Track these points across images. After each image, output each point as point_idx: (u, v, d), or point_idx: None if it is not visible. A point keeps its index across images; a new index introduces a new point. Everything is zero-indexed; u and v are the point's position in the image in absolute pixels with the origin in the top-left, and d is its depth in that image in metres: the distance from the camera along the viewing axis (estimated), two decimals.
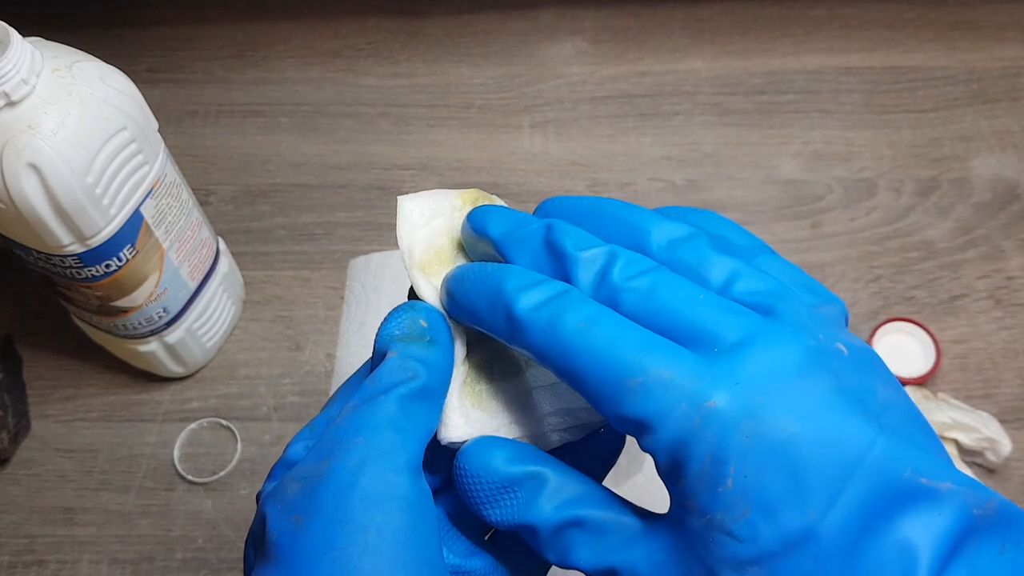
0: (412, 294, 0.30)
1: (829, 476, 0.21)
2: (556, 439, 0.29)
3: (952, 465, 0.23)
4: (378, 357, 0.28)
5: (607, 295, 0.25)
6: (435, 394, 0.27)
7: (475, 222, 0.28)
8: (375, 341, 0.29)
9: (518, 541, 0.29)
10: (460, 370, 0.28)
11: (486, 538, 0.30)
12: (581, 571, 0.25)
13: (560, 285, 0.25)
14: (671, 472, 0.23)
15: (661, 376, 0.22)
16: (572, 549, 0.25)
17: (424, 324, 0.28)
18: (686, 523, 0.23)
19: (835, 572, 0.21)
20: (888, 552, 0.20)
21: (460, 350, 0.29)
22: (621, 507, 0.26)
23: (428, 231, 0.30)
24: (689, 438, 0.22)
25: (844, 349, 0.23)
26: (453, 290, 0.28)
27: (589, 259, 0.25)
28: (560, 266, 0.26)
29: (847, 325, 0.26)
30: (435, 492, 0.30)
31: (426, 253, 0.29)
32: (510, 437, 0.28)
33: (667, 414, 0.22)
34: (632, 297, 0.24)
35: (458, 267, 0.28)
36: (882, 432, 0.22)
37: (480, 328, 0.27)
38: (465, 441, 0.28)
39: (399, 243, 0.30)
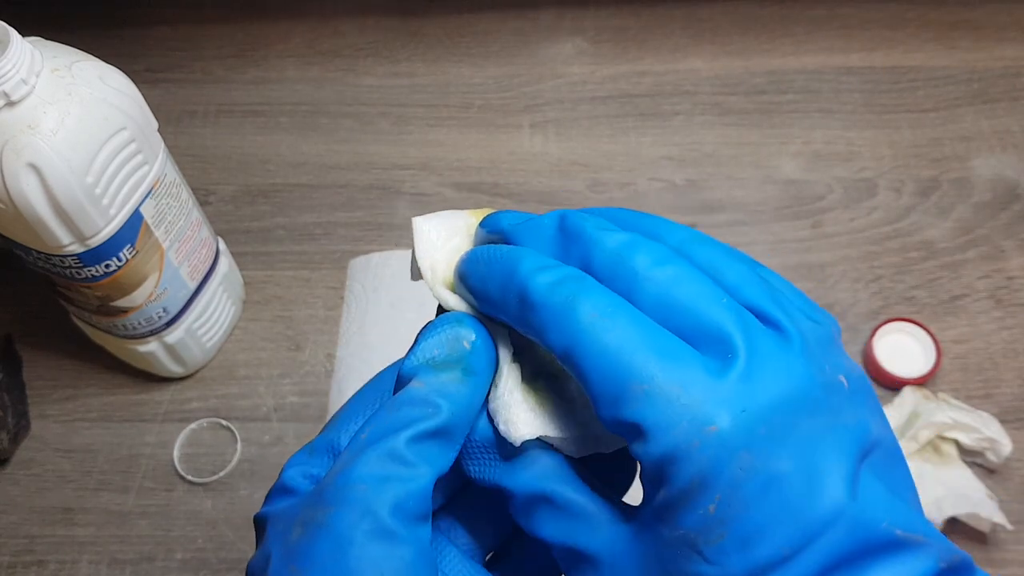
0: (441, 310, 0.29)
1: (810, 520, 0.21)
2: (588, 448, 0.29)
3: (922, 514, 0.23)
4: (404, 380, 0.27)
5: (625, 283, 0.24)
6: (454, 433, 0.26)
7: (489, 221, 0.28)
8: (408, 356, 0.27)
9: (518, 565, 0.29)
10: (514, 367, 0.27)
11: (485, 561, 0.30)
12: (546, 543, 0.26)
13: (576, 271, 0.24)
14: (653, 480, 0.23)
15: (668, 388, 0.22)
16: (540, 522, 0.26)
17: (467, 345, 0.27)
18: (656, 527, 0.23)
19: None
20: None
21: (507, 349, 0.28)
22: (593, 492, 0.26)
23: (448, 251, 0.29)
24: (682, 456, 0.22)
25: (845, 382, 0.23)
26: (466, 271, 0.27)
27: (609, 243, 0.25)
28: (577, 250, 0.25)
29: (840, 340, 0.26)
30: (436, 512, 0.30)
31: (448, 271, 0.29)
32: (556, 438, 0.28)
33: (666, 428, 0.22)
34: (652, 287, 0.24)
35: (472, 249, 0.27)
36: (868, 477, 0.22)
37: (492, 311, 0.26)
38: (531, 439, 0.27)
39: (419, 263, 0.29)
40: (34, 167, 0.41)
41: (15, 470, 0.55)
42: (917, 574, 0.21)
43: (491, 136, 0.68)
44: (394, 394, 0.27)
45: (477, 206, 0.65)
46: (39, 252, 0.45)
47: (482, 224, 0.28)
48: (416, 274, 0.31)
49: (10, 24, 0.41)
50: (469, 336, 0.27)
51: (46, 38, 0.44)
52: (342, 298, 0.60)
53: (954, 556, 0.22)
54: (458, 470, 0.29)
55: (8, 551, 0.52)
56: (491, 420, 0.27)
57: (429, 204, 0.65)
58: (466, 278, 0.27)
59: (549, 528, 0.25)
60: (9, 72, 0.39)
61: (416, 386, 0.26)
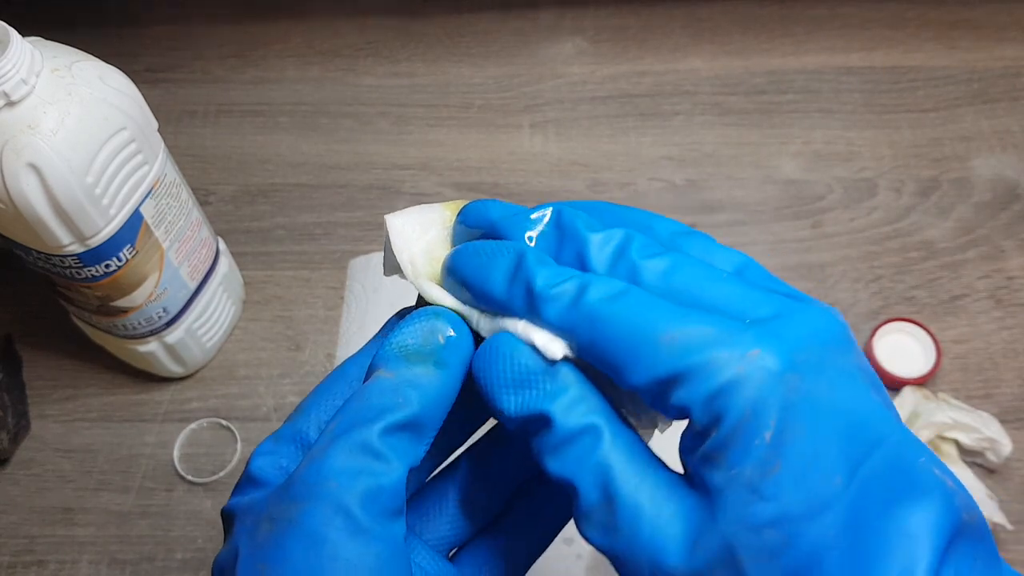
0: (421, 303, 0.29)
1: (856, 448, 0.21)
2: None
3: (945, 465, 0.23)
4: (374, 368, 0.26)
5: (626, 274, 0.24)
6: (424, 427, 0.25)
7: (473, 212, 0.27)
8: (383, 345, 0.27)
9: (481, 562, 0.29)
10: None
11: (450, 556, 0.30)
12: (575, 483, 0.24)
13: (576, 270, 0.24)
14: (706, 428, 0.22)
15: (698, 331, 0.22)
16: (582, 457, 0.24)
17: (442, 340, 0.26)
18: (707, 481, 0.22)
19: (846, 545, 0.20)
20: (895, 536, 0.20)
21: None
22: (640, 440, 0.25)
23: (425, 243, 0.29)
24: (731, 386, 0.21)
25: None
26: (459, 266, 0.26)
27: (604, 239, 0.24)
28: (573, 245, 0.25)
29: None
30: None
31: (428, 265, 0.28)
32: None
33: (708, 363, 0.21)
34: (652, 276, 0.24)
35: (464, 244, 0.27)
36: (898, 420, 0.22)
37: (491, 305, 0.25)
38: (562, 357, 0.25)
39: (398, 258, 0.28)
40: (34, 167, 0.41)
41: (15, 470, 0.55)
42: (948, 521, 0.21)
43: (491, 136, 0.68)
44: (364, 382, 0.26)
45: None
46: (39, 252, 0.45)
47: (463, 217, 0.28)
48: (390, 269, 0.30)
49: (10, 24, 0.41)
50: (446, 330, 0.26)
51: (46, 38, 0.44)
52: (342, 298, 0.60)
53: (973, 510, 0.22)
54: (423, 465, 0.29)
55: (8, 551, 0.52)
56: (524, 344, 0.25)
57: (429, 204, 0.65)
58: (459, 272, 0.26)
59: (588, 465, 0.24)
60: (9, 72, 0.39)
61: (386, 375, 0.26)
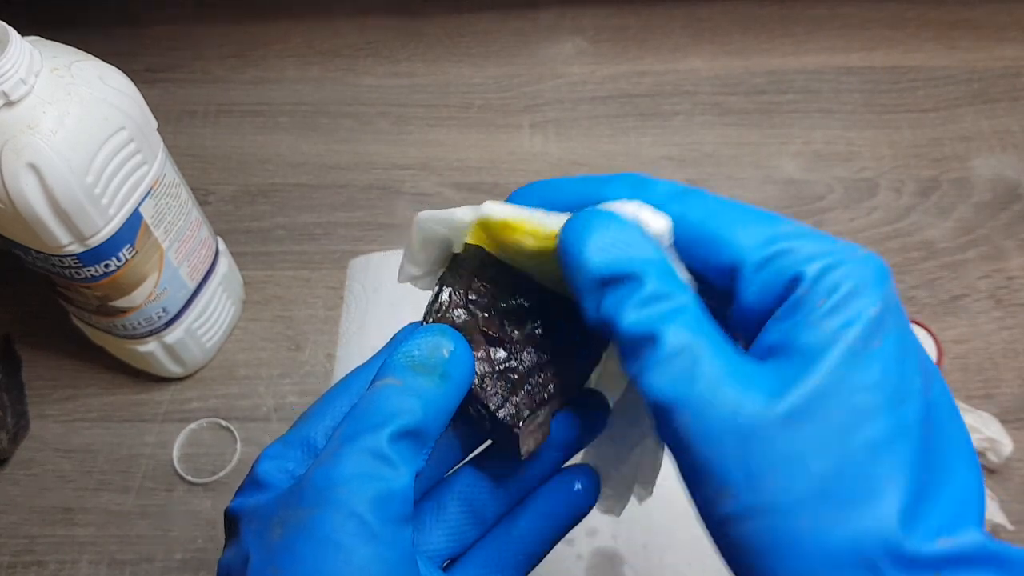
0: (429, 310, 0.30)
1: (926, 368, 0.24)
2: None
3: None
4: (381, 376, 0.27)
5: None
6: (426, 435, 0.26)
7: (562, 192, 0.28)
8: (390, 354, 0.28)
9: (474, 571, 0.30)
10: None
11: (444, 566, 0.30)
12: (655, 332, 0.24)
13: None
14: (814, 295, 0.23)
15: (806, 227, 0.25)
16: (665, 308, 0.24)
17: (446, 354, 0.27)
18: (801, 343, 0.23)
19: (922, 432, 0.23)
20: (955, 459, 0.24)
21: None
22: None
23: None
24: (850, 263, 0.24)
25: None
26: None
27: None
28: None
29: None
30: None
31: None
32: None
33: (826, 240, 0.25)
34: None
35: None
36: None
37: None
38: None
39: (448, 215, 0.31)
40: (34, 167, 0.41)
41: (15, 470, 0.55)
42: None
43: (491, 136, 0.68)
44: (370, 388, 0.27)
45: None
46: (39, 252, 0.45)
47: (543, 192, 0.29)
48: (405, 274, 0.31)
49: (10, 24, 0.41)
50: (448, 346, 0.27)
51: (46, 38, 0.44)
52: (342, 298, 0.60)
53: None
54: (421, 476, 0.29)
55: (8, 551, 0.52)
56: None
57: (429, 204, 0.65)
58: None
59: (674, 312, 0.24)
60: (8, 72, 0.39)
61: (393, 382, 0.26)
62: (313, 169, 0.67)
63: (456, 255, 0.31)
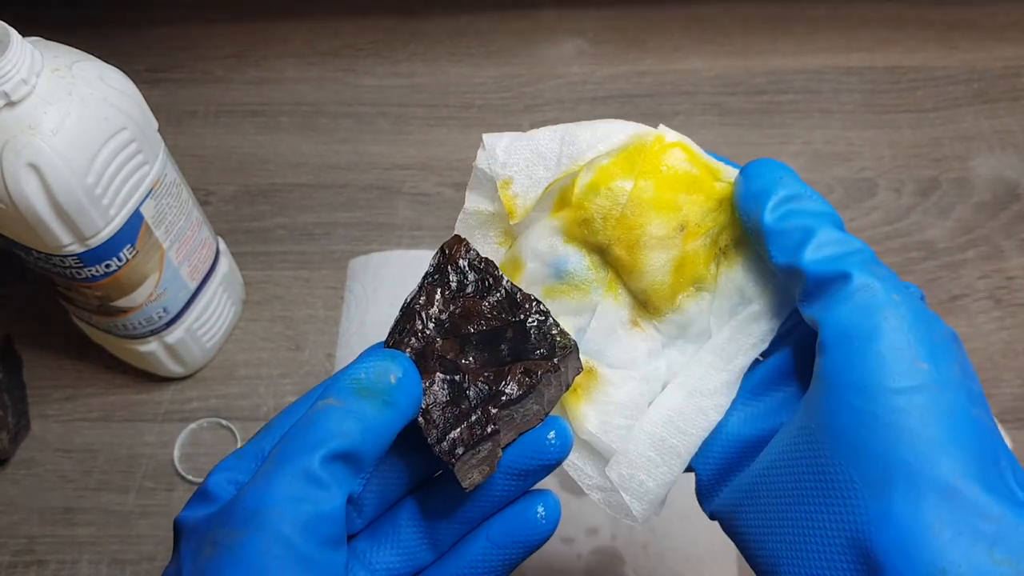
0: (396, 321, 0.31)
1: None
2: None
3: None
4: (324, 397, 0.27)
5: None
6: (363, 459, 0.27)
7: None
8: (335, 376, 0.28)
9: None
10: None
11: None
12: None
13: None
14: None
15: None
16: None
17: (393, 380, 0.28)
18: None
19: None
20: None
21: None
22: None
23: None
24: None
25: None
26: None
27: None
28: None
29: None
30: (353, 536, 0.31)
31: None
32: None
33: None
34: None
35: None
36: None
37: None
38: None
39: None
40: (34, 167, 0.41)
41: (15, 470, 0.55)
42: None
43: None
44: (311, 409, 0.27)
45: None
46: (39, 252, 0.45)
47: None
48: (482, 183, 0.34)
49: (10, 24, 0.41)
50: (397, 372, 0.28)
51: (46, 38, 0.44)
52: (342, 298, 0.60)
53: None
54: (380, 493, 0.30)
55: (8, 551, 0.52)
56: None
57: (429, 204, 0.65)
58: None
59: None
60: (9, 72, 0.39)
61: (335, 404, 0.27)
62: (313, 169, 0.67)
63: (438, 260, 0.32)
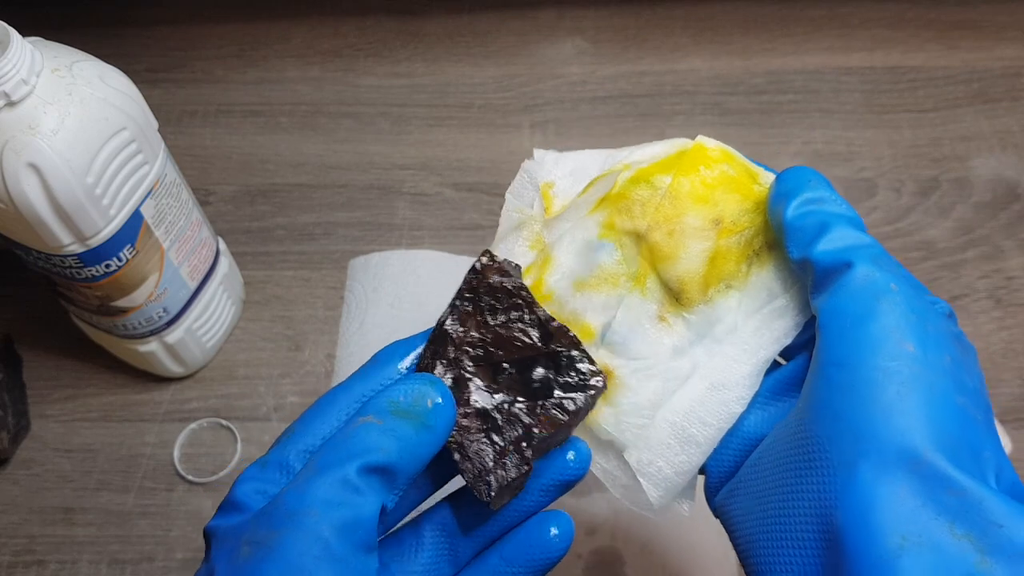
0: (428, 344, 0.31)
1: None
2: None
3: None
4: (364, 414, 0.28)
5: None
6: (398, 475, 0.28)
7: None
8: (376, 396, 0.29)
9: None
10: None
11: None
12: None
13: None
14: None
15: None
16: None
17: (430, 404, 0.29)
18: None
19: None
20: None
21: None
22: None
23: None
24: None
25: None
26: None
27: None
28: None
29: None
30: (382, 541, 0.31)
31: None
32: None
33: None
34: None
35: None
36: None
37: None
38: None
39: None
40: (34, 167, 0.41)
41: (15, 470, 0.55)
42: None
43: (491, 136, 0.68)
44: (352, 425, 0.28)
45: (477, 206, 0.65)
46: (39, 252, 0.45)
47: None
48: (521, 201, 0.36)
49: (10, 24, 0.41)
50: (435, 397, 0.29)
51: (46, 38, 0.44)
52: (342, 298, 0.60)
53: None
54: (403, 503, 0.31)
55: (8, 551, 0.52)
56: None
57: (429, 204, 0.65)
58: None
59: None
60: (9, 72, 0.39)
61: (374, 422, 0.28)
62: (313, 169, 0.67)
63: (470, 280, 0.32)
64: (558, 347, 0.31)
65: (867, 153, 0.66)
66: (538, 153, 0.37)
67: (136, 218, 0.46)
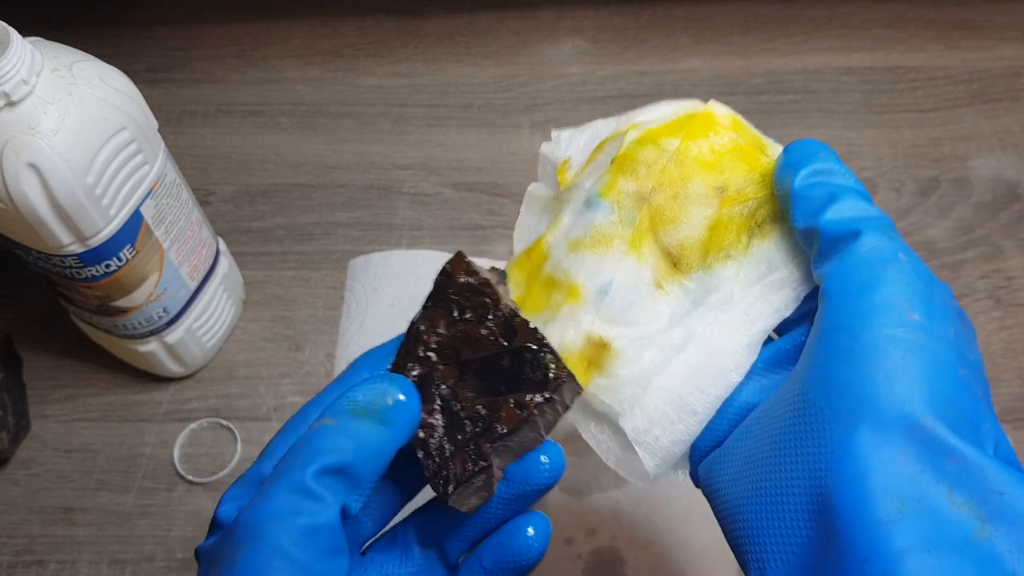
0: (403, 348, 0.31)
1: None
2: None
3: None
4: (321, 418, 0.29)
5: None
6: (358, 475, 0.28)
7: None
8: (333, 400, 0.29)
9: None
10: None
11: None
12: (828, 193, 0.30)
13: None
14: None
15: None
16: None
17: (391, 402, 0.29)
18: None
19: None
20: None
21: None
22: None
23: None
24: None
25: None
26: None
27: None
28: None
29: None
30: (368, 546, 0.32)
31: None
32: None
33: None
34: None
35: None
36: None
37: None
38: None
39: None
40: (34, 167, 0.41)
41: (15, 470, 0.55)
42: None
43: (491, 136, 0.68)
44: (312, 427, 0.28)
45: (477, 206, 0.65)
46: (39, 252, 0.45)
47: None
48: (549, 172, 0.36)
49: (10, 24, 0.41)
50: (396, 394, 0.29)
51: (46, 38, 0.44)
52: (342, 298, 0.60)
53: None
54: (384, 503, 0.31)
55: (8, 551, 0.52)
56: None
57: (429, 204, 0.65)
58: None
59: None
60: (9, 72, 0.39)
61: (329, 423, 0.28)
62: (313, 169, 0.67)
63: (440, 280, 0.33)
64: (522, 344, 0.31)
65: (867, 153, 0.66)
66: (554, 134, 0.37)
67: (136, 218, 0.46)
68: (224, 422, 0.56)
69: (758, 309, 0.32)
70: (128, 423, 0.56)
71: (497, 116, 0.69)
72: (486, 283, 0.32)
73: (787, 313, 0.32)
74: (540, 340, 0.31)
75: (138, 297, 0.50)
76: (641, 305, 0.32)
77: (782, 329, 0.32)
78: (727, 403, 0.31)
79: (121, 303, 0.50)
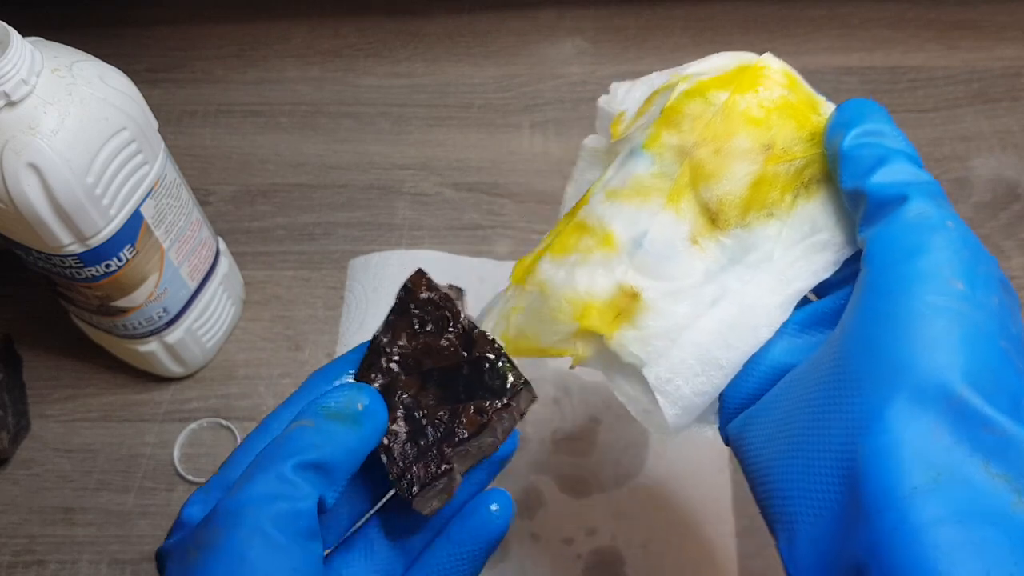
0: (366, 360, 0.33)
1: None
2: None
3: None
4: (297, 420, 0.30)
5: None
6: (334, 471, 0.29)
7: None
8: (309, 403, 0.31)
9: None
10: None
11: None
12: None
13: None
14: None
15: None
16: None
17: (360, 407, 0.30)
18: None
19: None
20: None
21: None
22: None
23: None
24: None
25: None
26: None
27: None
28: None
29: None
30: (331, 553, 0.33)
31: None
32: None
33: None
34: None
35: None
36: None
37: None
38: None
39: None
40: (34, 167, 0.41)
41: (15, 470, 0.55)
42: None
43: (491, 136, 0.68)
44: (286, 430, 0.30)
45: (477, 206, 0.65)
46: (39, 252, 0.45)
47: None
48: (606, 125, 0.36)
49: (10, 24, 0.41)
50: (364, 400, 0.31)
51: (46, 38, 0.44)
52: (342, 298, 0.60)
53: None
54: (350, 506, 0.33)
55: (8, 551, 0.52)
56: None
57: (429, 204, 0.65)
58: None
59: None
60: (9, 72, 0.39)
61: (306, 424, 0.29)
62: (313, 169, 0.67)
63: (401, 296, 0.34)
64: (480, 354, 0.32)
65: None
66: (613, 86, 0.37)
67: (136, 218, 0.46)
68: (224, 422, 0.56)
69: (796, 270, 0.31)
70: (128, 423, 0.56)
71: (497, 116, 0.69)
72: (446, 298, 0.34)
73: (825, 275, 0.31)
74: (498, 350, 0.33)
75: (138, 297, 0.50)
76: (676, 260, 0.32)
77: (821, 291, 0.32)
78: (757, 360, 0.31)
79: (121, 303, 0.50)
